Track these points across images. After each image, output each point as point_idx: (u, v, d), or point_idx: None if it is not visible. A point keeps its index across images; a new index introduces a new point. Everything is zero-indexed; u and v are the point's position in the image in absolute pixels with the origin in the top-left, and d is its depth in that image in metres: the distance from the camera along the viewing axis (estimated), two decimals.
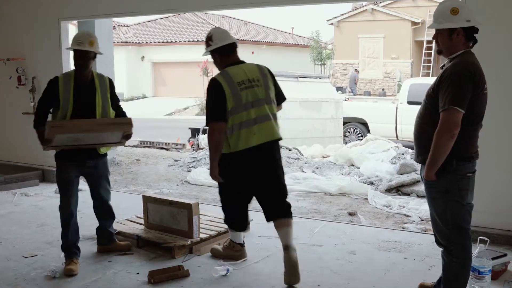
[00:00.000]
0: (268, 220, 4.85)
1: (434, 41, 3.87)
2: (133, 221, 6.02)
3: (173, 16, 39.61)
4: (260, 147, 4.59)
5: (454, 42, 3.69)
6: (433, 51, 27.84)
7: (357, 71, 31.12)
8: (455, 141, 3.54)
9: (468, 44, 3.72)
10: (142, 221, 5.95)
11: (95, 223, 6.27)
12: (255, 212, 6.81)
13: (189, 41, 35.88)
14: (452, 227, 3.73)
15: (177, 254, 5.19)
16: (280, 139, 4.77)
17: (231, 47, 4.84)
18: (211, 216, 6.12)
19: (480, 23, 3.71)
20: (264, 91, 4.67)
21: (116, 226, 5.70)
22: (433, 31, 3.83)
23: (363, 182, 8.61)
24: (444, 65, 3.80)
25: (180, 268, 4.77)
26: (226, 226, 5.53)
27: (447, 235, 3.77)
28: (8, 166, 9.18)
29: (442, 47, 3.78)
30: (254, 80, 4.65)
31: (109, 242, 5.41)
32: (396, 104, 14.22)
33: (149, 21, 40.74)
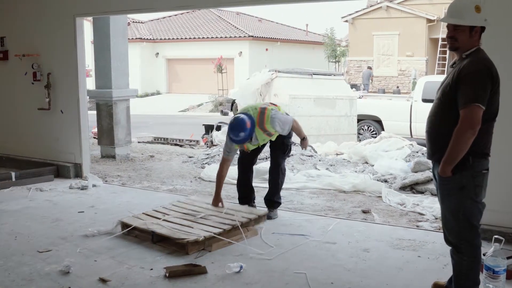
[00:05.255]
0: None
1: (446, 36, 3.87)
2: (150, 215, 6.01)
3: (187, 12, 39.71)
4: None
5: (472, 40, 3.70)
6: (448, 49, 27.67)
7: (370, 68, 31.01)
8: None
9: (480, 41, 3.75)
10: (159, 215, 5.95)
11: (110, 218, 6.32)
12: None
13: (203, 37, 35.95)
14: (463, 225, 3.74)
15: (191, 250, 5.18)
16: None
17: None
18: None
19: (489, 24, 3.75)
20: None
21: (132, 221, 5.72)
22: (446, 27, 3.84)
23: (377, 180, 8.57)
24: (454, 63, 3.80)
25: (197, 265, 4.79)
26: (238, 220, 5.55)
27: (457, 233, 3.78)
28: (23, 161, 9.24)
29: (460, 44, 3.74)
30: None
31: None
32: (410, 102, 14.16)
33: (164, 18, 40.90)
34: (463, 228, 3.75)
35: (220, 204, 6.22)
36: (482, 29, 3.73)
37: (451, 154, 3.60)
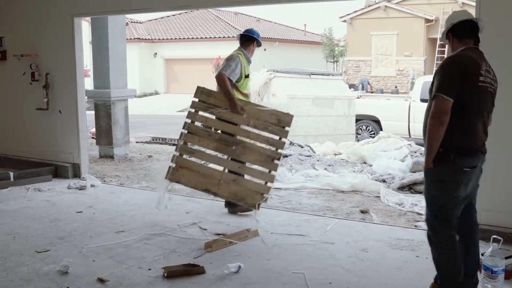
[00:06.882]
0: None
1: None
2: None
3: (185, 12, 39.68)
4: None
5: (451, 45, 4.00)
6: (446, 49, 27.65)
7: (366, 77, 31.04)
8: (453, 134, 3.68)
9: (466, 41, 3.90)
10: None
11: (108, 218, 6.34)
12: (268, 209, 6.83)
13: (201, 37, 35.94)
14: (439, 217, 3.85)
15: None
16: None
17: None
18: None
19: (463, 18, 3.91)
20: None
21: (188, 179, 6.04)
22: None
23: (376, 180, 8.58)
24: None
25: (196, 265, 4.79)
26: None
27: (433, 225, 3.89)
28: (22, 161, 9.23)
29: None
30: None
31: None
32: (409, 101, 14.18)
33: (162, 18, 40.87)
34: (437, 221, 3.85)
35: (242, 111, 6.14)
36: (459, 29, 3.92)
37: (427, 145, 3.76)
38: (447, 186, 3.78)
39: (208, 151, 6.30)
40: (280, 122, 6.16)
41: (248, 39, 6.63)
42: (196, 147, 6.43)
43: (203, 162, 6.42)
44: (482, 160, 3.90)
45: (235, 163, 6.14)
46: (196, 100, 6.29)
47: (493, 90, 3.87)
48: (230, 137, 6.17)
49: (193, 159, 6.31)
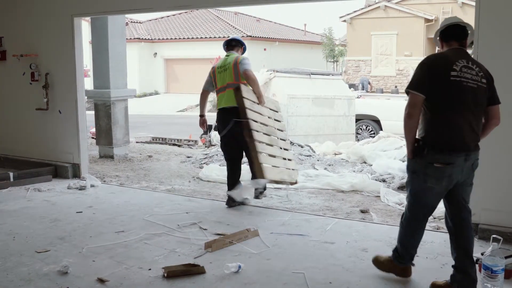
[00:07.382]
0: None
1: None
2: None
3: (185, 12, 39.72)
4: None
5: (441, 47, 4.27)
6: None
7: (367, 76, 31.04)
8: (429, 129, 3.92)
9: (451, 43, 4.15)
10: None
11: (108, 218, 6.32)
12: (268, 209, 6.83)
13: (201, 37, 35.95)
14: (411, 202, 4.18)
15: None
16: None
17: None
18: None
19: (448, 23, 4.18)
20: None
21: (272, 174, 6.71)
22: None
23: (375, 180, 8.58)
24: None
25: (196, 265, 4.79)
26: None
27: (407, 205, 4.25)
28: (21, 161, 9.23)
29: None
30: None
31: None
32: None
33: (162, 18, 40.91)
34: (408, 203, 4.21)
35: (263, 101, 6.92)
36: (446, 33, 4.19)
37: (404, 136, 4.03)
38: (418, 177, 4.02)
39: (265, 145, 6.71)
40: (276, 108, 7.45)
41: (236, 45, 7.18)
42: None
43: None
44: (466, 158, 3.93)
45: (280, 150, 6.99)
46: (244, 97, 6.49)
47: (477, 86, 3.91)
48: (271, 128, 6.90)
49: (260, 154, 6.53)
